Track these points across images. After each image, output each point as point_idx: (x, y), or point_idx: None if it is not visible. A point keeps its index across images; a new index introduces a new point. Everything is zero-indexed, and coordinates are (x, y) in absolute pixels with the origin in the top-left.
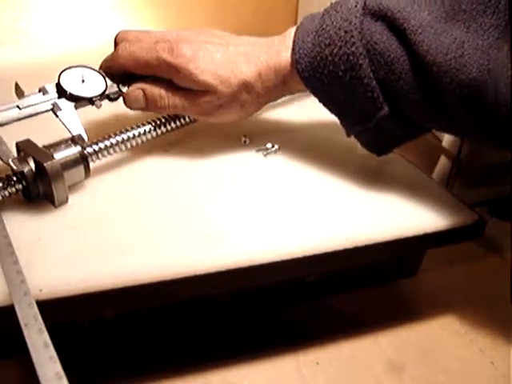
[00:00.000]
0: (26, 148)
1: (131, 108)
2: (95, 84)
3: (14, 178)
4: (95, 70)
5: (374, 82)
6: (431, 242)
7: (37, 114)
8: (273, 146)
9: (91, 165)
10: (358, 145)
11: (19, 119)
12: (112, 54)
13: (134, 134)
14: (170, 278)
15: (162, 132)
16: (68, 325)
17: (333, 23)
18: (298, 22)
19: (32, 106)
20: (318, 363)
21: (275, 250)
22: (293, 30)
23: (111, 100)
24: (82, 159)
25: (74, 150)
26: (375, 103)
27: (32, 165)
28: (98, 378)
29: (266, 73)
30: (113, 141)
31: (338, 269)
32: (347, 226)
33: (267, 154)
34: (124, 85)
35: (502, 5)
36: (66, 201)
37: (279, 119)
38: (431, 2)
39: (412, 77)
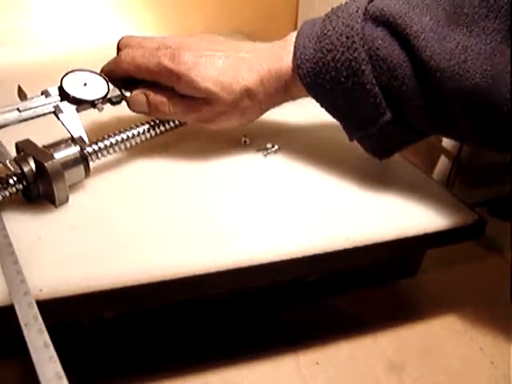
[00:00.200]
0: (25, 148)
1: (134, 111)
2: (97, 87)
3: (15, 178)
4: (97, 74)
5: (377, 88)
6: (431, 241)
7: (38, 116)
8: (273, 146)
9: (91, 164)
10: (359, 146)
11: (20, 121)
12: (114, 58)
13: (133, 134)
14: (170, 277)
15: (161, 131)
16: (68, 325)
17: (334, 28)
18: (299, 22)
19: (33, 108)
20: (318, 363)
21: (275, 249)
22: (294, 35)
23: (113, 104)
24: (82, 159)
25: (73, 150)
26: (378, 109)
27: (32, 165)
28: (97, 378)
29: (267, 78)
30: (112, 140)
31: (338, 269)
32: (347, 225)
33: (267, 154)
34: (126, 89)
35: (504, 9)
36: (67, 200)
37: (279, 119)
38: (433, 7)
39: (415, 82)
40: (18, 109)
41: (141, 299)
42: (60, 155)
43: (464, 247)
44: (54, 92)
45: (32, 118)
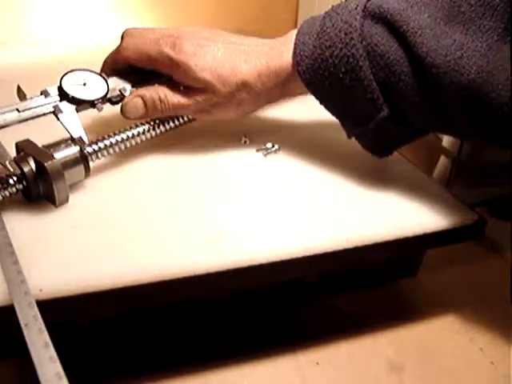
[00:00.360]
0: (25, 148)
1: (129, 118)
2: (97, 87)
3: (15, 178)
4: (97, 73)
5: (374, 84)
6: (431, 241)
7: (37, 116)
8: (273, 146)
9: (91, 164)
10: (358, 145)
11: (20, 121)
12: (117, 47)
13: (133, 134)
14: (170, 277)
15: (161, 131)
16: (68, 325)
17: (333, 25)
18: (299, 22)
19: (33, 108)
20: (318, 363)
21: (275, 249)
22: (294, 32)
23: (113, 103)
24: (82, 158)
25: (73, 150)
26: (375, 105)
27: (32, 165)
28: (98, 378)
29: (266, 74)
30: (112, 140)
31: (338, 269)
32: (347, 225)
33: (267, 153)
34: (127, 82)
35: (500, 7)
36: (67, 200)
37: (279, 119)
38: (431, 5)
39: (412, 78)
40: (17, 109)
41: (141, 299)
42: (60, 155)
43: (464, 247)
44: (54, 92)
45: (31, 118)
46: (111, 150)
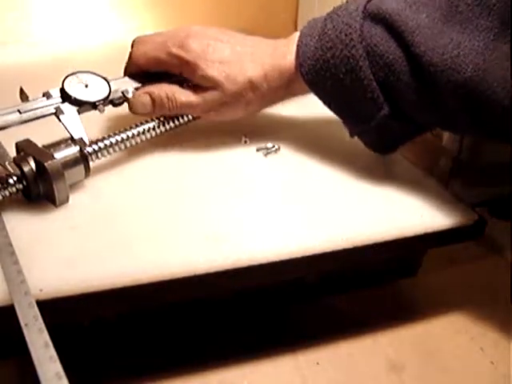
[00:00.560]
0: (25, 148)
1: (137, 113)
2: (99, 89)
3: (15, 178)
4: (99, 75)
5: (374, 83)
6: (431, 241)
7: (39, 117)
8: (273, 146)
9: (91, 164)
10: (358, 145)
11: (21, 123)
12: (128, 57)
13: (133, 134)
14: (170, 277)
15: (161, 131)
16: (68, 325)
17: (334, 27)
18: (299, 22)
19: (34, 110)
20: (318, 363)
21: (275, 249)
22: (297, 34)
23: (115, 105)
24: (82, 158)
25: (73, 150)
26: (376, 104)
27: (32, 164)
28: (97, 378)
29: (271, 74)
30: (113, 140)
31: (338, 269)
32: (347, 225)
33: (267, 153)
34: (137, 83)
35: (496, 7)
36: (67, 200)
37: (279, 118)
38: (429, 5)
39: (410, 77)
40: (18, 110)
41: (141, 299)
42: (60, 155)
43: (464, 247)
44: (56, 93)
45: (33, 119)
46: (111, 150)
